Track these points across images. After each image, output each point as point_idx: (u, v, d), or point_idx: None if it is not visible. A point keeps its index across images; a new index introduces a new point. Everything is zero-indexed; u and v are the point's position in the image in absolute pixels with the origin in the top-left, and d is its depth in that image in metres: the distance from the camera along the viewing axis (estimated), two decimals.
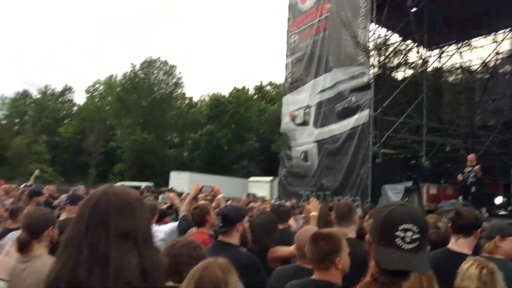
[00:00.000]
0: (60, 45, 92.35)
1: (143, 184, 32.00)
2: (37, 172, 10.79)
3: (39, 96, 56.96)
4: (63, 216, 4.89)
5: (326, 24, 19.43)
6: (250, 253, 3.39)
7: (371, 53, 18.28)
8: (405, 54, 22.09)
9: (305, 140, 19.97)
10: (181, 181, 32.87)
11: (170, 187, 30.40)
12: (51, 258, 2.84)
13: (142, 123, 49.49)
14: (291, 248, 3.96)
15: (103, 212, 1.21)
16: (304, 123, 20.23)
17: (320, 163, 18.82)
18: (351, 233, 3.69)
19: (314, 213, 4.46)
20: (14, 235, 4.05)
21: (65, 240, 1.22)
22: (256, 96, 55.08)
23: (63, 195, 7.01)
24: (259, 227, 4.01)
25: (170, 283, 2.14)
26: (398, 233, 1.48)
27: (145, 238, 1.24)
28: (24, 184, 11.03)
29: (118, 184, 27.59)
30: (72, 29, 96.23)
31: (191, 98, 58.28)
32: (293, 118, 21.01)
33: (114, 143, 50.00)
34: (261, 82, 57.00)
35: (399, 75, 23.28)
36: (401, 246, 1.47)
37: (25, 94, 57.55)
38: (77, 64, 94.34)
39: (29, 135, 46.88)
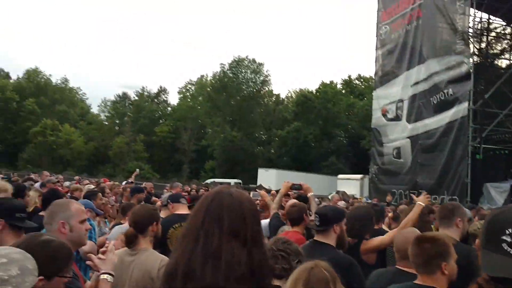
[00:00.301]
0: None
1: (232, 181, 32.86)
2: (137, 171, 11.54)
3: (136, 98, 60.93)
4: (164, 214, 5.13)
5: (420, 12, 18.46)
6: (347, 255, 3.30)
7: (470, 40, 17.01)
8: (510, 39, 20.22)
9: (397, 136, 19.18)
10: (268, 178, 33.20)
11: (258, 184, 30.89)
12: (155, 252, 3.06)
13: (231, 121, 50.80)
14: (381, 238, 3.83)
15: (218, 209, 1.30)
16: (397, 118, 19.43)
17: (414, 160, 17.96)
18: (453, 236, 3.45)
19: (420, 202, 4.21)
20: (117, 231, 4.36)
21: (183, 232, 1.34)
22: (344, 90, 54.00)
23: (166, 193, 7.37)
24: (356, 218, 3.91)
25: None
26: (504, 237, 1.32)
27: (254, 238, 1.30)
28: (126, 181, 11.84)
29: (209, 181, 28.66)
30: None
31: (278, 95, 58.66)
32: (384, 113, 20.27)
33: (205, 141, 51.92)
34: (349, 76, 55.81)
35: (503, 63, 21.38)
36: (509, 251, 1.31)
37: (124, 97, 62.01)
38: (169, 66, 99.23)
39: (128, 135, 50.32)
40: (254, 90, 52.54)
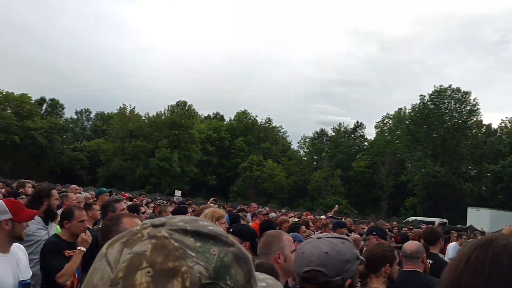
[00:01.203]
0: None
1: (437, 220, 30.40)
2: (337, 207, 11.73)
3: (333, 134, 62.62)
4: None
5: None
6: None
7: None
8: None
9: None
10: (480, 218, 29.91)
11: (468, 225, 27.86)
12: None
13: (433, 155, 47.85)
14: None
15: (508, 270, 0.99)
16: None
17: None
18: None
19: None
20: None
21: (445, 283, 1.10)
22: None
23: (365, 226, 7.32)
24: None
25: None
26: None
27: None
28: (327, 216, 12.08)
29: (410, 219, 27.02)
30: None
31: (489, 125, 53.25)
32: None
33: (405, 176, 49.89)
34: None
35: None
36: None
37: (322, 133, 64.37)
38: (365, 101, 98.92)
39: (326, 169, 51.84)
40: (460, 121, 48.50)
